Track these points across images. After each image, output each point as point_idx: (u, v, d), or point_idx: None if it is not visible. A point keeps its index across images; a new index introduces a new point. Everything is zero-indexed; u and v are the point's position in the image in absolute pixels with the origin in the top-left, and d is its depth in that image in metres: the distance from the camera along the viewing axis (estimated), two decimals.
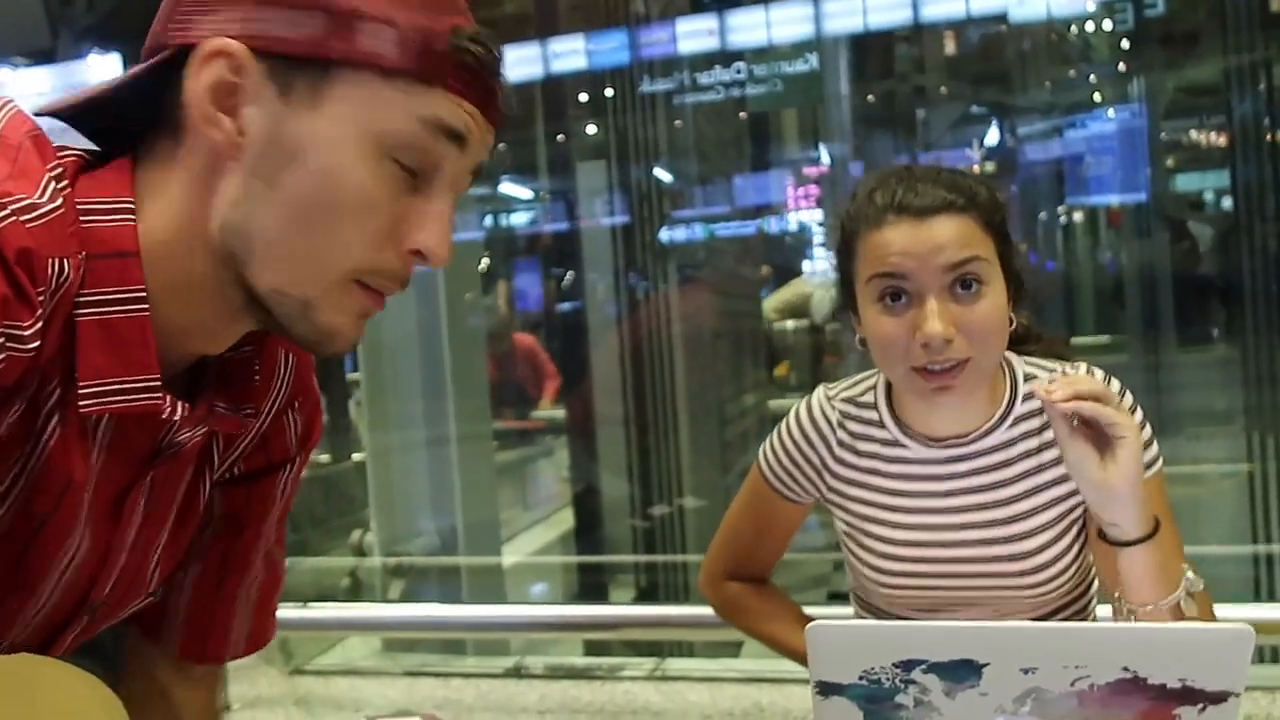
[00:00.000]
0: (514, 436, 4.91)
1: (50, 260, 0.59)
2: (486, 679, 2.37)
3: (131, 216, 0.65)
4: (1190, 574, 1.00)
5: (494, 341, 4.60)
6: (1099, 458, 0.97)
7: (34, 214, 0.59)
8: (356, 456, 3.46)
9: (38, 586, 0.67)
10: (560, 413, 4.57)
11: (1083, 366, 1.13)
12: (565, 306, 4.59)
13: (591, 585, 3.76)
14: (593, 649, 2.51)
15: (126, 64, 3.71)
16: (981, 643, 0.80)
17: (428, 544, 3.05)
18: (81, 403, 0.63)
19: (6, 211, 0.57)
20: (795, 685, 2.07)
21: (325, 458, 4.12)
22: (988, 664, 0.79)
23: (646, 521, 3.51)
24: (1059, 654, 0.78)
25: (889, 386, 1.17)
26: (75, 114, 0.68)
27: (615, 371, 3.59)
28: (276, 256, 0.64)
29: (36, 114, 0.66)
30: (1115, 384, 1.11)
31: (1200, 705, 0.75)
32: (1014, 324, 1.10)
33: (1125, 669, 0.76)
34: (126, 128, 0.68)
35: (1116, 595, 1.03)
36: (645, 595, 3.45)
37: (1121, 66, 4.17)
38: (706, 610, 1.35)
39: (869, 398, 1.18)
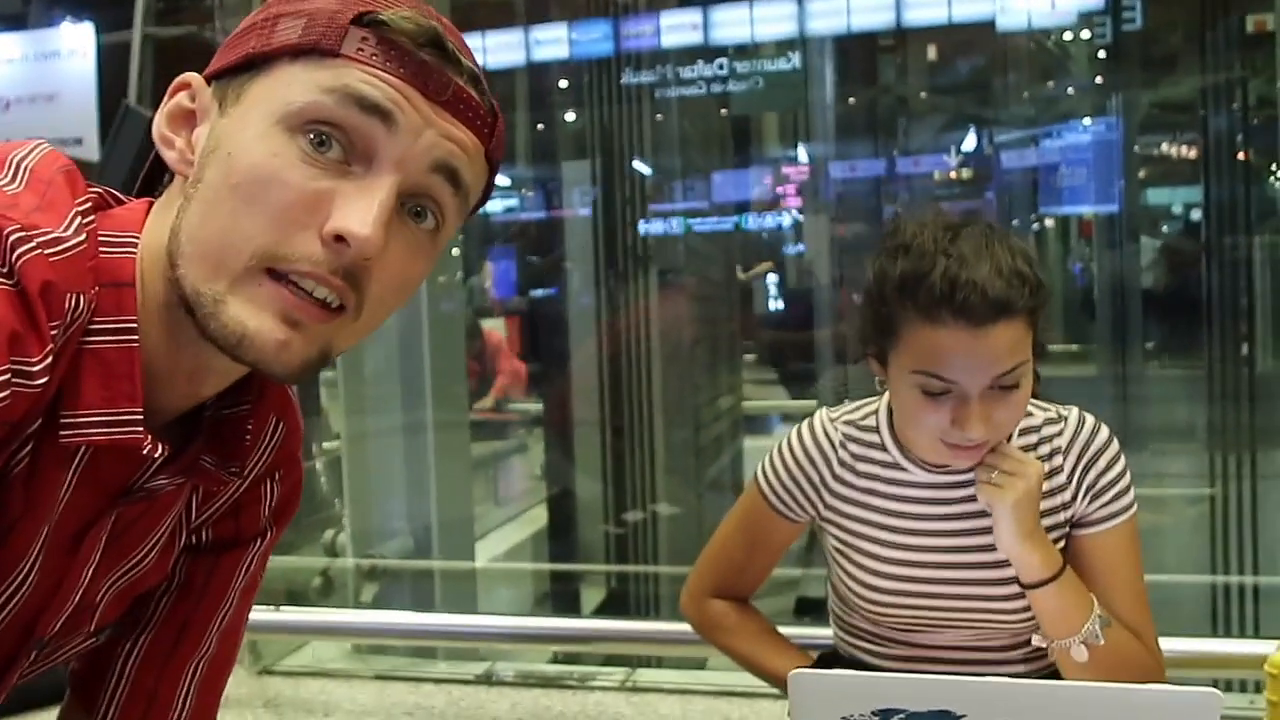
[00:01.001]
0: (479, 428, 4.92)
1: (68, 295, 0.59)
2: (457, 684, 2.37)
3: (134, 250, 0.65)
4: (1095, 627, 1.07)
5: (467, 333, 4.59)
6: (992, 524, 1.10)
7: (57, 248, 0.59)
8: (327, 445, 3.43)
9: None
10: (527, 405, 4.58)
11: (1074, 411, 1.18)
12: (540, 294, 4.58)
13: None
14: (563, 656, 2.52)
15: (100, 33, 3.65)
16: (960, 697, 0.82)
17: (401, 546, 3.04)
18: (62, 433, 0.62)
19: (33, 244, 0.57)
20: (765, 700, 2.09)
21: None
22: (964, 715, 0.82)
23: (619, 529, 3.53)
24: (1036, 710, 0.81)
25: (891, 411, 1.19)
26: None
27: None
28: (192, 252, 0.63)
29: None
30: (1104, 433, 1.17)
31: None
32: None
33: None
34: None
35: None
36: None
37: (1099, 79, 4.21)
38: (678, 626, 1.37)
39: (871, 421, 1.22)
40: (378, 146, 0.63)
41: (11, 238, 0.56)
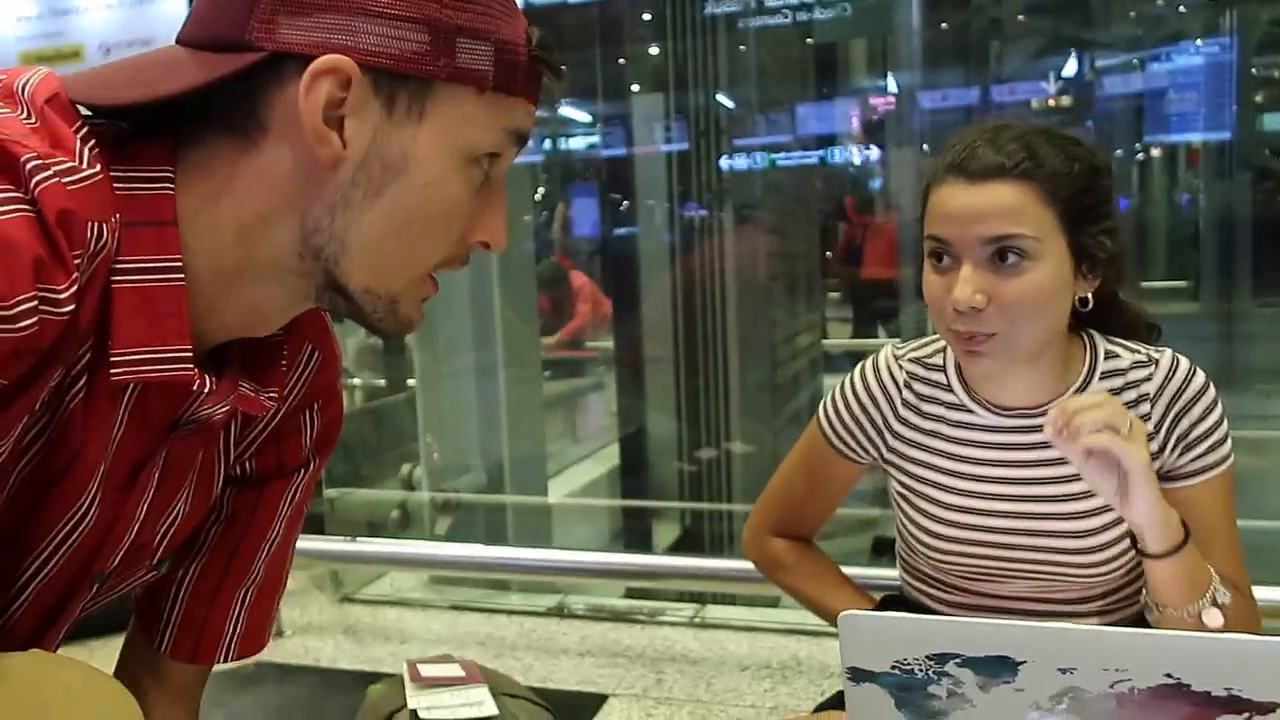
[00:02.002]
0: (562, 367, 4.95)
1: (89, 224, 0.58)
2: (529, 616, 2.41)
3: (170, 187, 0.64)
4: (1219, 589, 0.99)
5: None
6: (1114, 485, 0.96)
7: (75, 177, 0.59)
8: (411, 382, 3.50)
9: (37, 549, 0.67)
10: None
11: (1167, 354, 1.10)
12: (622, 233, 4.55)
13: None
14: (635, 591, 2.54)
15: None
16: (1019, 641, 0.78)
17: (474, 480, 3.09)
18: (113, 370, 0.62)
19: (50, 172, 0.57)
20: (833, 639, 2.07)
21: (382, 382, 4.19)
22: (1024, 661, 0.78)
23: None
24: (1099, 656, 0.76)
25: None
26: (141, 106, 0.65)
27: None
28: (370, 260, 0.67)
29: (116, 106, 0.64)
30: (1200, 379, 1.08)
31: (1246, 715, 0.73)
32: (1088, 304, 1.06)
33: (1168, 675, 0.73)
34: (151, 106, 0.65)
35: (1144, 590, 1.03)
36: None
37: None
38: (748, 564, 1.34)
39: (937, 360, 1.16)
40: (505, 160, 0.71)
41: (29, 165, 0.56)
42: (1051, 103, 4.33)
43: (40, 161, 0.56)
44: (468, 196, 0.68)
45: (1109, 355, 1.10)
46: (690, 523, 3.63)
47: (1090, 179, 1.03)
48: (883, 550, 2.74)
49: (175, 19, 3.84)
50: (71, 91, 0.63)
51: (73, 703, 0.60)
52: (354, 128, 0.64)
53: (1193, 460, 1.07)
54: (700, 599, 2.37)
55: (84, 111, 0.64)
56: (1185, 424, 1.06)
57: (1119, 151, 4.58)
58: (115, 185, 0.62)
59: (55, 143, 0.59)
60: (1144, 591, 1.03)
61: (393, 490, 3.09)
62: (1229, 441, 1.07)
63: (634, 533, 3.73)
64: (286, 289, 0.68)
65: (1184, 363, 1.09)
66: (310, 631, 2.38)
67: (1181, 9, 4.23)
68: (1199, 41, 3.85)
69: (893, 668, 0.80)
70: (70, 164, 0.59)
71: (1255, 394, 3.27)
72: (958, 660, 0.79)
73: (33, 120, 0.60)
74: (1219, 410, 1.07)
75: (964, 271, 1.00)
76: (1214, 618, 0.98)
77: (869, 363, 1.21)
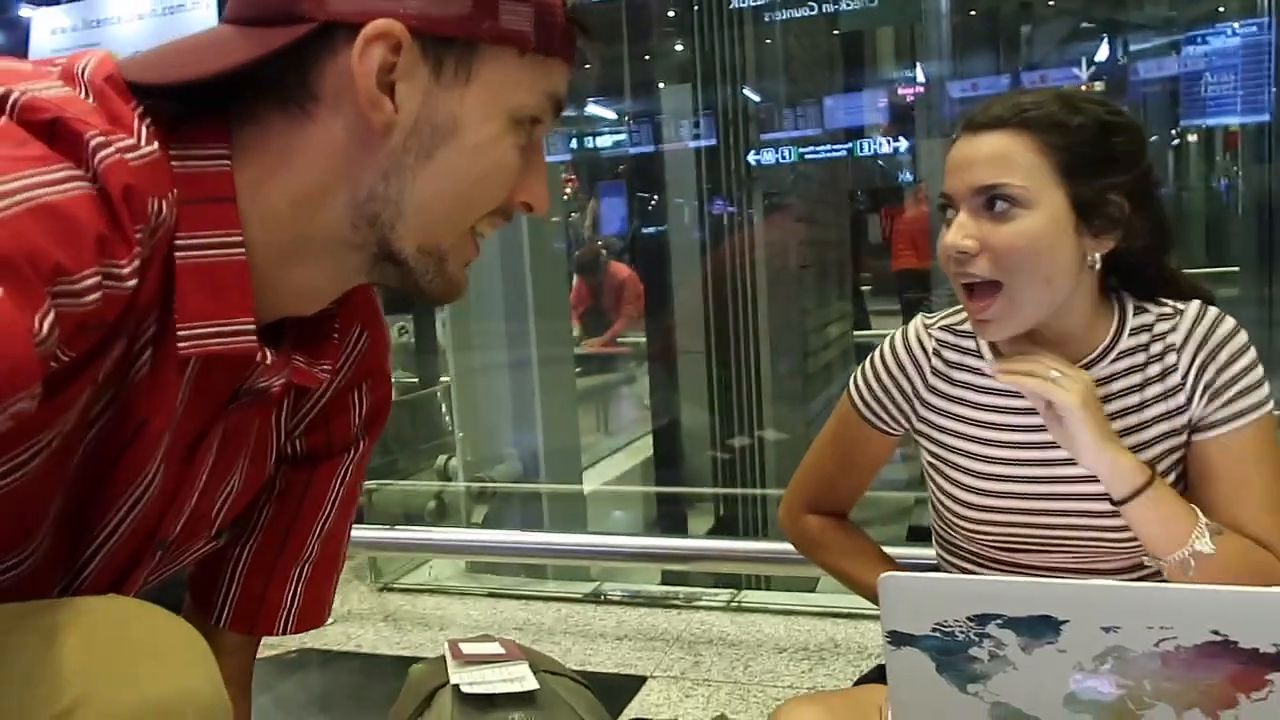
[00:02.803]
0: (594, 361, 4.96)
1: (150, 199, 0.60)
2: (566, 603, 2.42)
3: (228, 163, 0.66)
4: (1201, 537, 0.97)
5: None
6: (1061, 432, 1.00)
7: (136, 154, 0.60)
8: (444, 379, 3.52)
9: (104, 517, 0.69)
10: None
11: (1194, 304, 1.08)
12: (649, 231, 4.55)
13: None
14: (670, 577, 2.54)
15: None
16: (1061, 600, 0.77)
17: (509, 470, 3.11)
18: (181, 344, 0.64)
19: (112, 149, 0.58)
20: (870, 621, 2.07)
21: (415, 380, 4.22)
22: (1067, 621, 0.77)
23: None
24: (1143, 614, 0.75)
25: None
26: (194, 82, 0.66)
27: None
28: (425, 221, 0.68)
29: (171, 83, 0.65)
30: (1227, 325, 1.06)
31: None
32: (1096, 265, 1.04)
33: (1215, 631, 0.72)
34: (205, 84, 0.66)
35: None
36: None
37: None
38: (783, 545, 1.34)
39: (967, 327, 1.15)
40: (544, 123, 0.72)
41: (93, 142, 0.57)
42: (1084, 89, 4.28)
43: (104, 139, 0.58)
44: (514, 158, 0.70)
45: (1138, 311, 1.08)
46: (725, 511, 3.62)
47: (1096, 133, 1.01)
48: (918, 539, 2.72)
49: (203, 26, 3.87)
50: (126, 74, 0.64)
51: (151, 641, 0.61)
52: (405, 92, 0.65)
53: (1220, 407, 1.03)
54: (736, 584, 2.37)
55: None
56: (1212, 371, 1.04)
57: (1155, 137, 4.52)
58: (173, 162, 0.64)
59: (115, 120, 0.61)
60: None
61: (429, 481, 3.11)
62: (1264, 388, 1.03)
63: (669, 519, 3.73)
64: (340, 262, 0.70)
65: (1211, 311, 1.06)
66: (351, 619, 2.41)
67: None
68: (1235, 24, 3.78)
69: (933, 630, 0.79)
70: (130, 141, 0.60)
71: None
72: (999, 621, 0.78)
73: (91, 100, 0.61)
74: (1249, 356, 1.04)
75: (959, 218, 1.02)
76: (1189, 567, 0.96)
77: (899, 332, 1.20)
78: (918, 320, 1.20)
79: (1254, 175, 3.88)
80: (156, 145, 0.62)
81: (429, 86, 0.66)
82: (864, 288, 6.02)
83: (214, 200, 0.64)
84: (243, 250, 0.65)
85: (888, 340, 1.21)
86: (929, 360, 1.17)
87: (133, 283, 0.58)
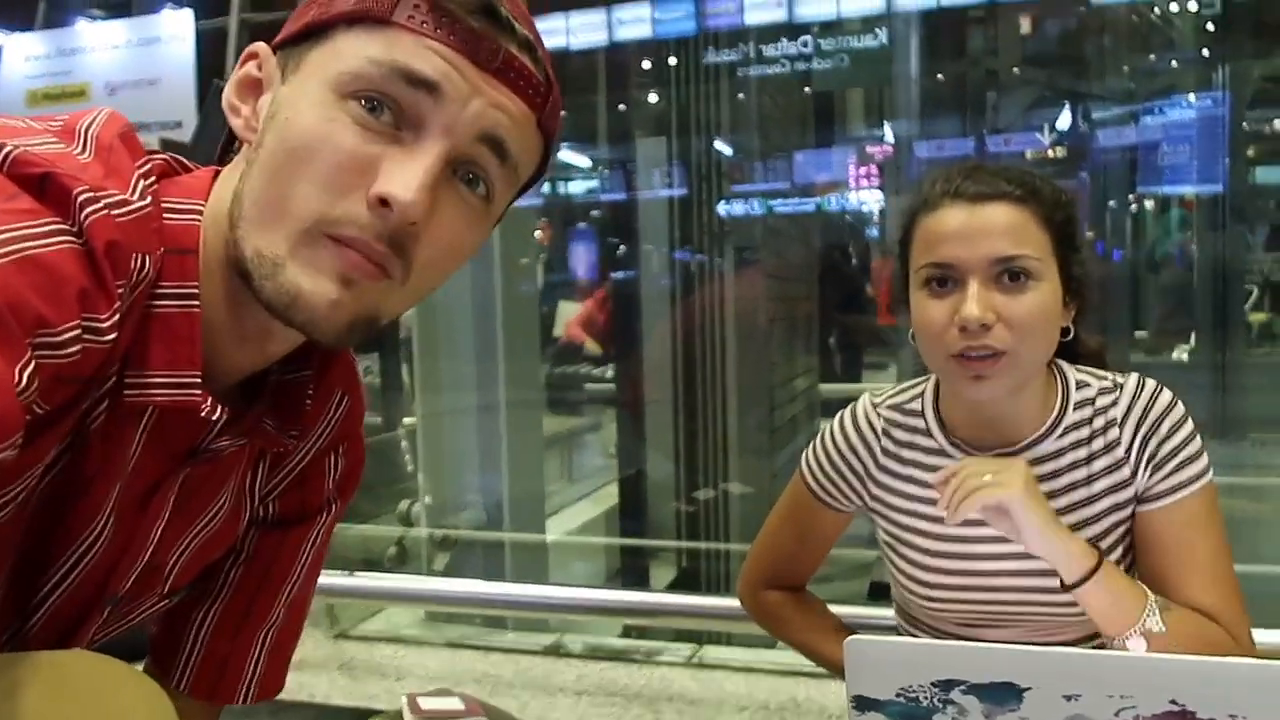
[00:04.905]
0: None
1: (134, 255, 0.60)
2: (526, 655, 2.38)
3: (198, 217, 0.67)
4: (1152, 614, 0.98)
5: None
6: (1009, 525, 1.00)
7: (124, 210, 0.60)
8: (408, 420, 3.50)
9: (51, 568, 0.68)
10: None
11: (1132, 377, 1.10)
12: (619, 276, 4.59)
13: None
14: (631, 631, 2.52)
15: (199, 19, 3.76)
16: (1024, 666, 0.78)
17: (472, 516, 3.08)
18: (126, 392, 0.64)
19: (100, 205, 0.58)
20: (833, 682, 2.05)
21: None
22: (1029, 688, 0.77)
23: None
24: (1104, 683, 0.76)
25: (936, 393, 1.14)
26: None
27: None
28: (253, 215, 0.64)
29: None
30: (1165, 397, 1.08)
31: None
32: (1070, 333, 1.07)
33: (1173, 701, 0.73)
34: None
35: None
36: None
37: (1205, 53, 4.01)
38: None
39: (916, 405, 1.16)
40: (425, 115, 0.64)
41: (80, 198, 0.58)
42: (1047, 154, 4.39)
43: (91, 195, 0.58)
44: (338, 133, 0.63)
45: (1079, 385, 1.10)
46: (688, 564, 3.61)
47: (1071, 210, 1.05)
48: (879, 594, 2.72)
49: (180, 60, 3.91)
50: None
51: (113, 695, 0.60)
52: (263, 101, 0.68)
53: (1164, 479, 1.05)
54: (697, 639, 2.35)
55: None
56: (1154, 443, 1.05)
57: (1112, 203, 4.64)
58: (164, 217, 0.65)
59: (110, 175, 0.61)
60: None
61: (391, 526, 3.07)
62: (1202, 460, 1.05)
63: (632, 571, 3.71)
64: (244, 293, 0.66)
65: (1150, 384, 1.08)
66: (305, 667, 2.35)
67: (1174, 64, 4.32)
68: (1192, 96, 3.92)
69: (898, 695, 0.79)
70: (121, 196, 0.60)
71: (1251, 443, 3.28)
72: (963, 687, 0.79)
73: (87, 155, 0.62)
74: (1188, 428, 1.06)
75: (972, 289, 1.00)
76: (1137, 644, 0.97)
77: (847, 412, 1.20)
78: (865, 399, 1.20)
79: (1208, 241, 4.00)
80: (149, 201, 0.63)
81: (277, 87, 0.67)
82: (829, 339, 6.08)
83: (181, 252, 0.65)
84: (197, 303, 0.65)
85: (837, 420, 1.21)
86: (879, 440, 1.17)
87: (112, 336, 0.58)
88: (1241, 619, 1.05)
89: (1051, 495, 1.07)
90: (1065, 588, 1.00)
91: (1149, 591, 1.00)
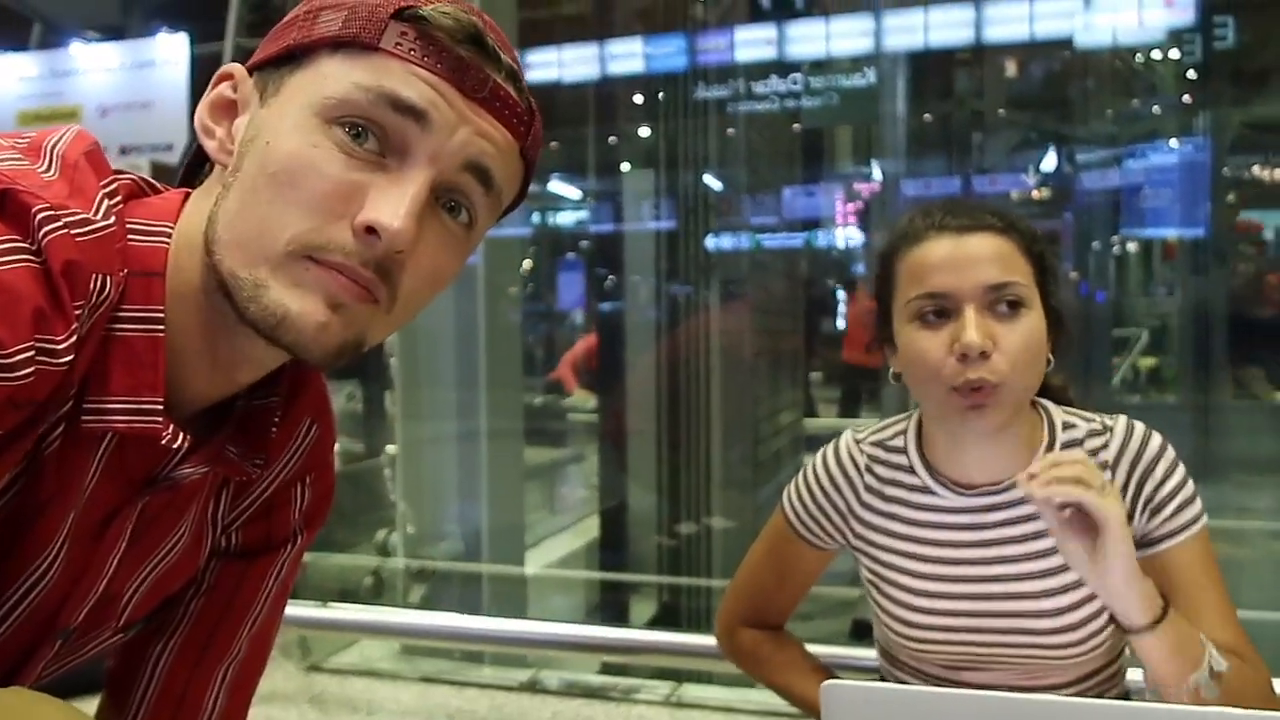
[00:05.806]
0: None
1: (94, 276, 0.59)
2: (502, 691, 2.34)
3: (166, 240, 0.66)
4: (1215, 657, 0.95)
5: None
6: (1091, 547, 0.93)
7: (85, 229, 0.59)
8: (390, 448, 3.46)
9: (1, 596, 0.65)
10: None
11: (1121, 421, 1.09)
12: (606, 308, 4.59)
13: None
14: (609, 668, 2.48)
15: (193, 43, 3.77)
16: (1001, 714, 0.76)
17: (451, 547, 3.04)
18: (85, 419, 0.62)
19: (59, 224, 0.57)
20: None
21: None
22: None
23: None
24: None
25: (919, 431, 1.13)
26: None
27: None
28: (229, 239, 0.63)
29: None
30: (1156, 440, 1.07)
31: None
32: (1050, 364, 1.06)
33: None
34: None
35: (1145, 676, 0.99)
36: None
37: (1186, 98, 4.06)
38: None
39: (899, 442, 1.15)
40: (411, 142, 0.64)
41: (39, 216, 0.56)
42: (1032, 195, 4.43)
43: (51, 213, 0.57)
44: (322, 158, 0.62)
45: (1066, 426, 1.09)
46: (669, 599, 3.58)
47: (1045, 244, 1.06)
48: (862, 633, 2.70)
49: (173, 84, 3.91)
50: None
51: None
52: (239, 124, 0.67)
53: (1163, 523, 1.04)
54: (677, 677, 2.32)
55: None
56: (1150, 487, 1.04)
57: (1096, 244, 4.68)
58: (130, 237, 0.63)
59: (74, 194, 0.60)
60: (1145, 678, 0.99)
61: (368, 556, 3.03)
62: (1198, 502, 1.05)
63: (612, 605, 3.67)
64: (217, 316, 0.66)
65: (1139, 427, 1.08)
66: (275, 701, 2.31)
67: (1157, 109, 4.37)
68: (1174, 141, 3.96)
69: None
70: (83, 216, 0.59)
71: (1233, 485, 3.28)
72: None
73: (52, 173, 0.61)
74: (1181, 470, 1.05)
75: (968, 316, 0.98)
76: (1211, 690, 0.93)
77: (830, 449, 1.19)
78: (847, 436, 1.19)
79: (1191, 285, 4.03)
80: (113, 221, 0.61)
81: (255, 110, 0.66)
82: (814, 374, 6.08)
83: (147, 274, 0.64)
84: (161, 327, 0.63)
85: (819, 457, 1.20)
86: (861, 477, 1.15)
87: (68, 359, 0.57)
88: (1257, 655, 1.03)
89: (1036, 536, 1.07)
90: (1128, 632, 0.95)
91: (1206, 639, 0.96)
